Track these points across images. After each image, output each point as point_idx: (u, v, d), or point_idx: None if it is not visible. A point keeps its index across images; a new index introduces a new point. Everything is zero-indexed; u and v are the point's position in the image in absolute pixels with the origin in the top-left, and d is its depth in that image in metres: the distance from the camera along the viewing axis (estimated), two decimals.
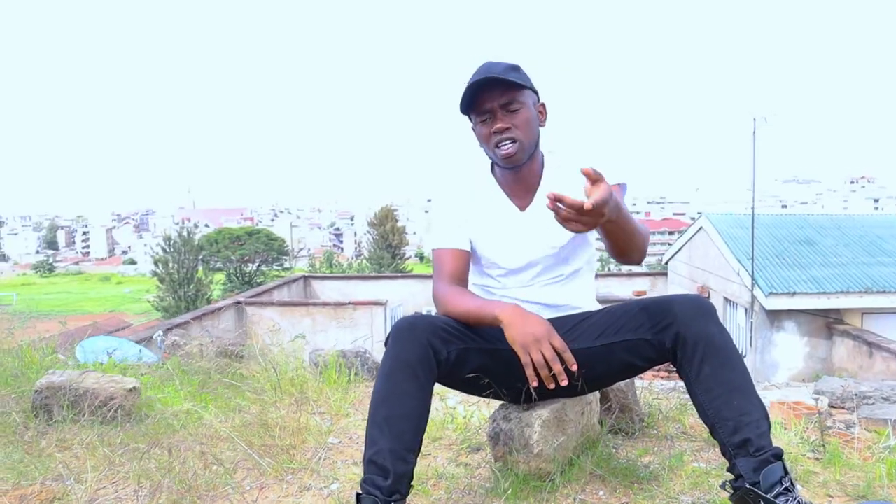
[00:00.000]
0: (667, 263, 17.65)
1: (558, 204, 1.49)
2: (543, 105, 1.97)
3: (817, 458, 2.20)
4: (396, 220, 51.06)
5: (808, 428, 2.55)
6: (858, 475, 2.04)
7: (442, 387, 1.88)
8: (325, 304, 11.81)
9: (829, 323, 12.20)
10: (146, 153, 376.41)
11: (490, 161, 2.04)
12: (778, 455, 1.62)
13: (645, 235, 1.81)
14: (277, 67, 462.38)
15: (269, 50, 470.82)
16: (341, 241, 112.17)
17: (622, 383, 2.31)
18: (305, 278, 16.22)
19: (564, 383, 1.67)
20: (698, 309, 1.73)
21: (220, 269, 56.64)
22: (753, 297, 12.53)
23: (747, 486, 1.58)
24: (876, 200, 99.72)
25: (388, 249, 47.86)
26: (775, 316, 12.38)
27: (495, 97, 1.85)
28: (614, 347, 1.83)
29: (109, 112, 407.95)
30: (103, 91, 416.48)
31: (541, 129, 1.96)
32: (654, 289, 16.60)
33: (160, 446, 2.19)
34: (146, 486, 1.97)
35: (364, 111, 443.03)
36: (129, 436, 2.35)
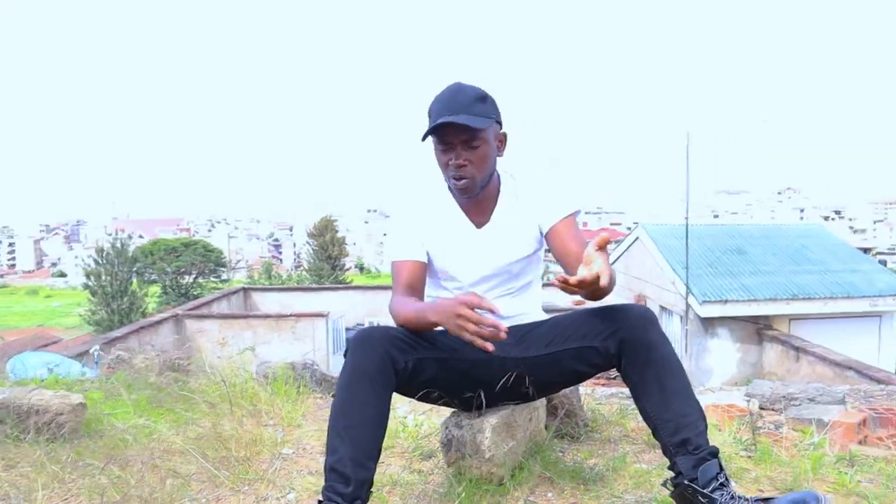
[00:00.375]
0: None
1: (566, 284, 1.63)
2: (504, 135, 2.04)
3: (749, 456, 2.34)
4: (336, 231, 50.08)
5: (740, 428, 2.71)
6: (786, 470, 2.19)
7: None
8: (266, 317, 11.59)
9: (759, 329, 12.67)
10: (77, 160, 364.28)
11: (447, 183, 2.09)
12: (714, 453, 1.74)
13: (615, 281, 1.86)
14: (212, 74, 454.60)
15: (203, 56, 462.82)
16: (280, 253, 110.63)
17: (567, 389, 2.41)
18: (245, 290, 15.95)
19: (503, 335, 1.67)
20: (642, 317, 1.84)
21: (156, 281, 55.02)
22: (688, 305, 12.95)
23: (686, 482, 1.70)
24: (801, 210, 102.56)
25: (328, 261, 47.19)
26: (709, 323, 12.80)
27: (458, 133, 1.91)
28: (562, 355, 1.92)
29: (36, 117, 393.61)
30: (29, 95, 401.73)
31: (498, 157, 2.03)
32: None
33: (114, 461, 2.18)
34: (99, 502, 1.96)
35: (302, 120, 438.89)
36: (78, 452, 2.31)
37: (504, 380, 1.92)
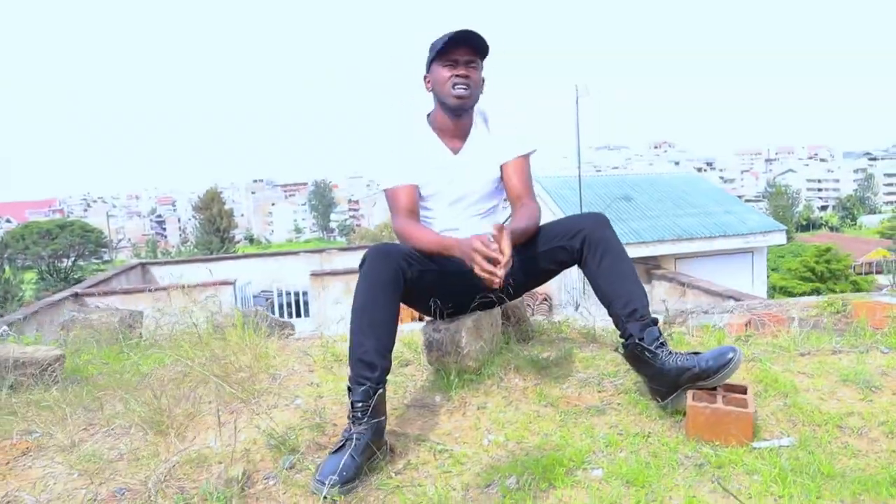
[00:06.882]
0: None
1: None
2: (483, 79, 2.36)
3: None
4: (223, 203, 49.27)
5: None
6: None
7: None
8: (170, 288, 10.51)
9: (648, 269, 13.07)
10: None
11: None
12: (655, 321, 2.10)
13: (532, 225, 2.23)
14: (80, 45, 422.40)
15: (72, 26, 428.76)
16: (164, 229, 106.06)
17: (515, 302, 2.71)
18: (143, 265, 15.32)
19: (498, 281, 1.97)
20: (598, 220, 2.20)
21: (31, 266, 51.44)
22: None
23: (636, 341, 2.06)
24: (676, 163, 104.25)
25: (217, 234, 46.64)
26: None
27: (464, 53, 2.23)
28: (536, 257, 2.25)
29: None
30: None
31: (480, 94, 2.35)
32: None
33: (120, 394, 2.33)
34: (126, 423, 2.14)
35: (176, 88, 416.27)
36: (77, 394, 2.42)
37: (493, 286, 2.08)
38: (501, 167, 2.39)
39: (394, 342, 2.01)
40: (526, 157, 2.41)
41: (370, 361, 1.93)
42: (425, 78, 2.35)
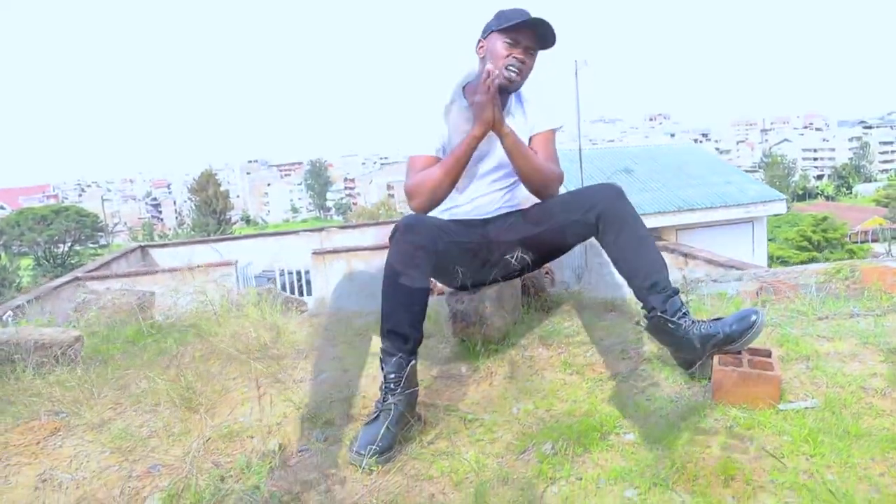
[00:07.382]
0: None
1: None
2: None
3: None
4: (219, 185, 49.16)
5: None
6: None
7: None
8: (173, 271, 10.94)
9: None
10: None
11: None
12: (676, 291, 2.08)
13: (548, 176, 2.26)
14: (69, 28, 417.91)
15: (61, 8, 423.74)
16: (160, 212, 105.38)
17: (533, 273, 2.68)
18: (142, 248, 15.15)
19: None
20: (613, 191, 2.19)
21: (27, 253, 51.24)
22: None
23: (659, 314, 2.05)
24: (672, 135, 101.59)
25: (213, 215, 46.47)
26: None
27: (528, 38, 2.20)
28: (552, 231, 2.26)
29: None
30: None
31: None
32: None
33: (144, 372, 2.34)
34: (154, 401, 2.14)
35: (167, 71, 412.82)
36: (100, 374, 2.41)
37: (508, 257, 2.27)
38: (530, 139, 2.37)
39: (425, 313, 2.00)
40: (553, 130, 2.41)
41: (403, 333, 1.94)
42: (479, 42, 2.32)
